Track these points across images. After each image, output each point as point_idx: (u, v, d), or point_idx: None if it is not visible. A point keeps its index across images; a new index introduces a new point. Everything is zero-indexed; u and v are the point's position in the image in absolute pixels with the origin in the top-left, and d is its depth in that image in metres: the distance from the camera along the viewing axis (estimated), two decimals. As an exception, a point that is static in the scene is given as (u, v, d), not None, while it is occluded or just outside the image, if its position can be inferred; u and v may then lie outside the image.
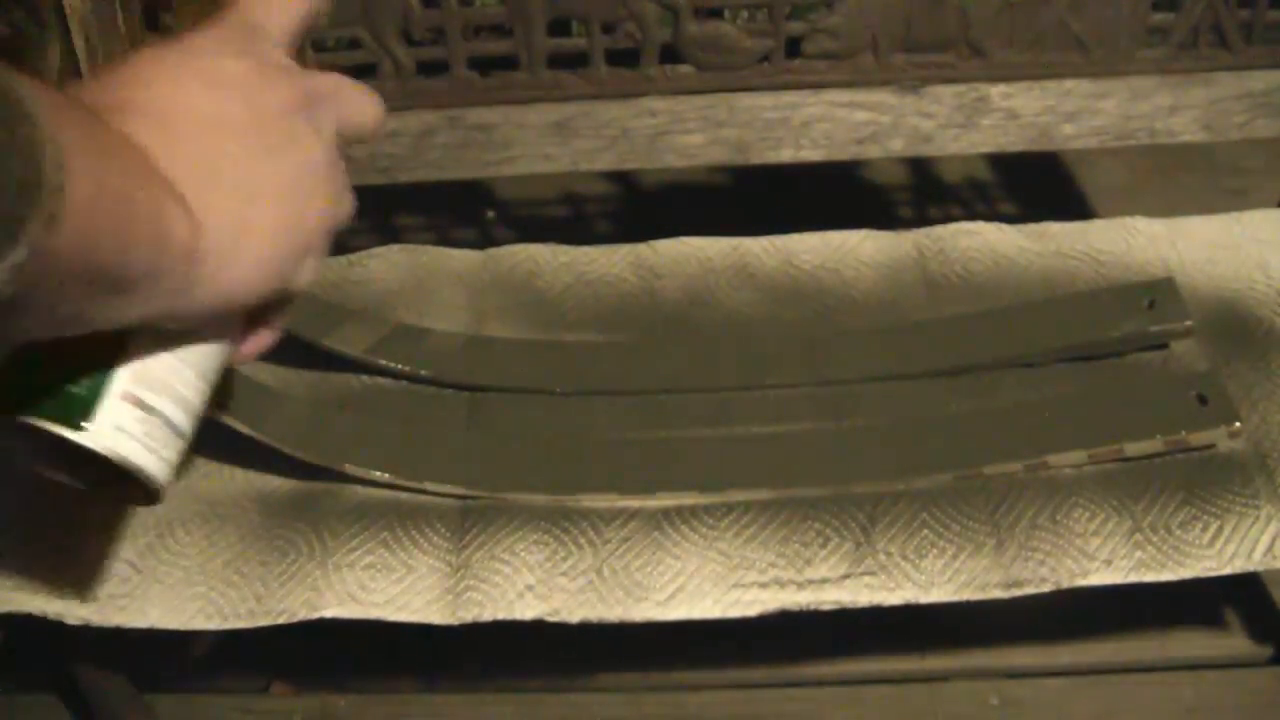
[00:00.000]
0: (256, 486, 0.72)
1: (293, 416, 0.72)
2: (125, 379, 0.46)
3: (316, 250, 0.45)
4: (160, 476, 0.48)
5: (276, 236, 0.41)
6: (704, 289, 0.82)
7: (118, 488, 0.49)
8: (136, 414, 0.46)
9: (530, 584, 0.66)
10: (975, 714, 0.87)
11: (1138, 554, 0.64)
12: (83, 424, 0.45)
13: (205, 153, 0.39)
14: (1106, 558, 0.64)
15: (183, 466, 0.74)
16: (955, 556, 0.65)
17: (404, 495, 0.71)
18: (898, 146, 0.84)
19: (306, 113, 0.43)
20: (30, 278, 0.31)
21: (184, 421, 0.49)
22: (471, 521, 0.69)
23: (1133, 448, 0.69)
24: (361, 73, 0.81)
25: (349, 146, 0.48)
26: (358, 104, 0.47)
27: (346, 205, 0.47)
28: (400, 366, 0.77)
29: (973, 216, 0.92)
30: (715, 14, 0.79)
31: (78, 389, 0.46)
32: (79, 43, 0.81)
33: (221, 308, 0.42)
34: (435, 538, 0.68)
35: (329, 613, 0.66)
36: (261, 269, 0.41)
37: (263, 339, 0.50)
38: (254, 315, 0.48)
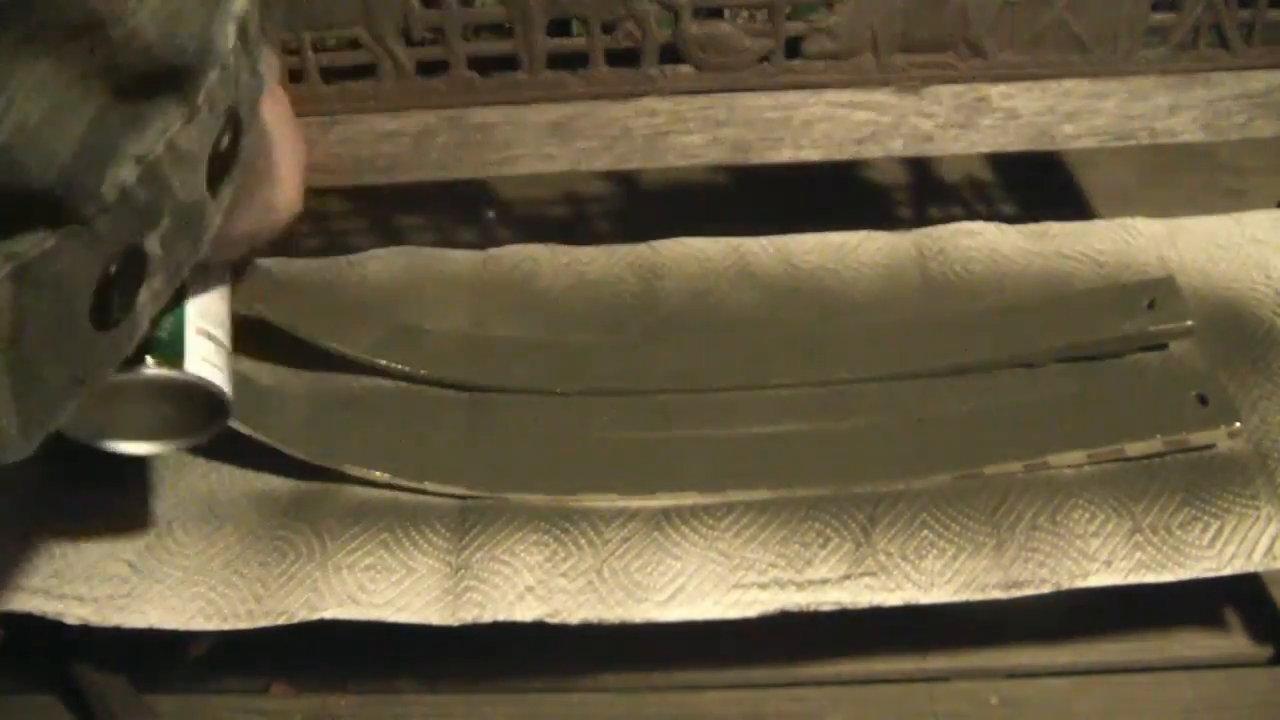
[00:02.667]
0: (256, 486, 0.72)
1: (293, 416, 0.72)
2: (194, 316, 0.51)
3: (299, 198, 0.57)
4: (232, 397, 0.54)
5: (296, 174, 0.55)
6: (704, 289, 0.82)
7: (175, 421, 0.54)
8: (210, 346, 0.51)
9: (530, 585, 0.66)
10: (975, 714, 0.87)
11: (1138, 555, 0.64)
12: (181, 363, 0.50)
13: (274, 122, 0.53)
14: (1106, 558, 0.64)
15: (182, 466, 0.74)
16: (955, 557, 0.65)
17: (404, 495, 0.71)
18: (898, 146, 0.83)
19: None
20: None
21: (228, 343, 0.54)
22: (471, 522, 0.69)
23: (1133, 448, 0.68)
24: (361, 73, 0.81)
25: None
26: None
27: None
28: (400, 366, 0.77)
29: (973, 216, 0.92)
30: (715, 14, 0.79)
31: (160, 332, 0.50)
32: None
33: (275, 229, 0.53)
34: (435, 538, 0.68)
35: (329, 614, 0.66)
36: (293, 193, 0.54)
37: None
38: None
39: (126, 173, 0.30)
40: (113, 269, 0.32)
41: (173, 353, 0.50)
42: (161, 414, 0.53)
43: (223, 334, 0.54)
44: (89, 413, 0.51)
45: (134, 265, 0.33)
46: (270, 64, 0.52)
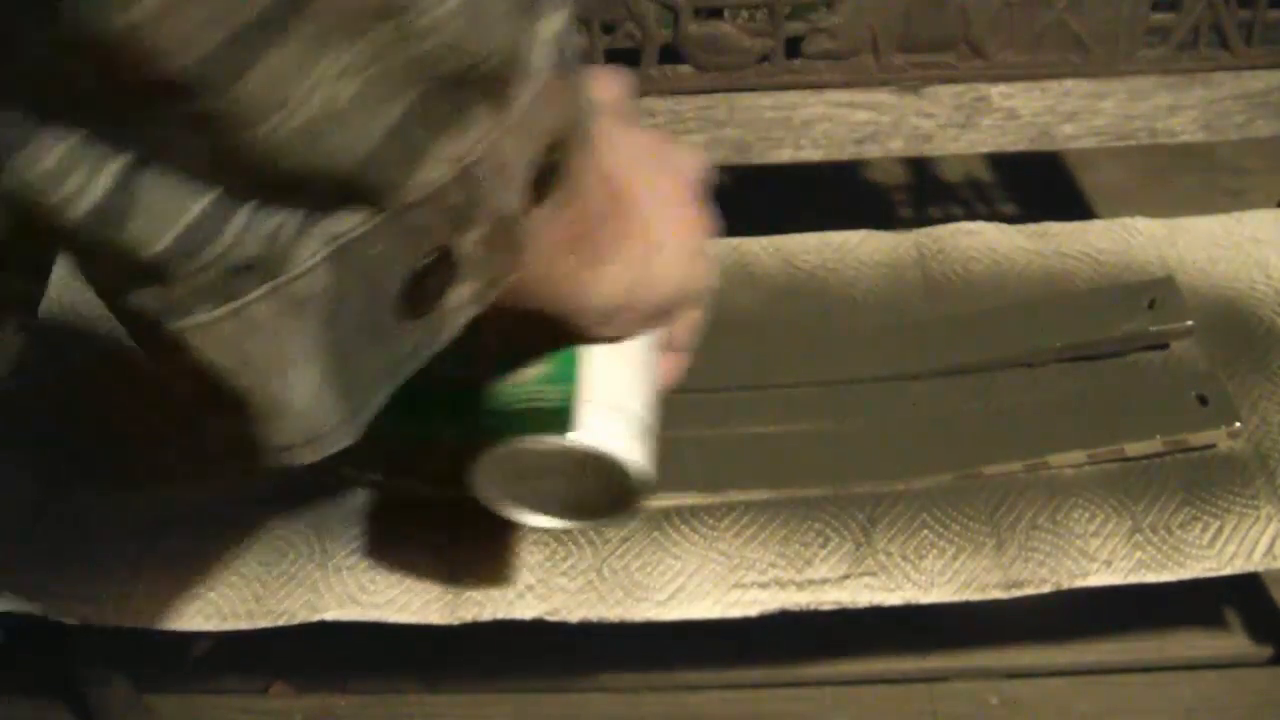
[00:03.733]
0: (256, 487, 0.72)
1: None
2: (591, 386, 0.48)
3: (707, 258, 0.51)
4: (647, 468, 0.49)
5: (691, 233, 0.48)
6: (704, 289, 0.82)
7: (595, 500, 0.50)
8: (614, 416, 0.48)
9: (530, 584, 0.66)
10: (975, 714, 0.87)
11: (1138, 554, 0.64)
12: (569, 431, 0.47)
13: (635, 161, 0.46)
14: (1106, 558, 0.64)
15: (185, 468, 0.74)
16: (955, 557, 0.65)
17: (404, 495, 0.71)
18: (898, 146, 0.83)
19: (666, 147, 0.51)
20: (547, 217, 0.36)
21: (650, 422, 0.50)
22: (471, 522, 0.69)
23: (1133, 448, 0.68)
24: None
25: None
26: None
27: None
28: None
29: (973, 216, 0.92)
30: (715, 14, 0.79)
31: (548, 403, 0.48)
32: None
33: (663, 298, 0.47)
34: (435, 538, 0.68)
35: (329, 615, 0.66)
36: (688, 260, 0.48)
37: (677, 362, 0.56)
38: (667, 341, 0.53)
39: (439, 173, 0.30)
40: (423, 263, 0.32)
41: (559, 422, 0.47)
42: (578, 489, 0.50)
43: (641, 410, 0.50)
44: (507, 483, 0.50)
45: (444, 264, 0.33)
46: (614, 109, 0.48)
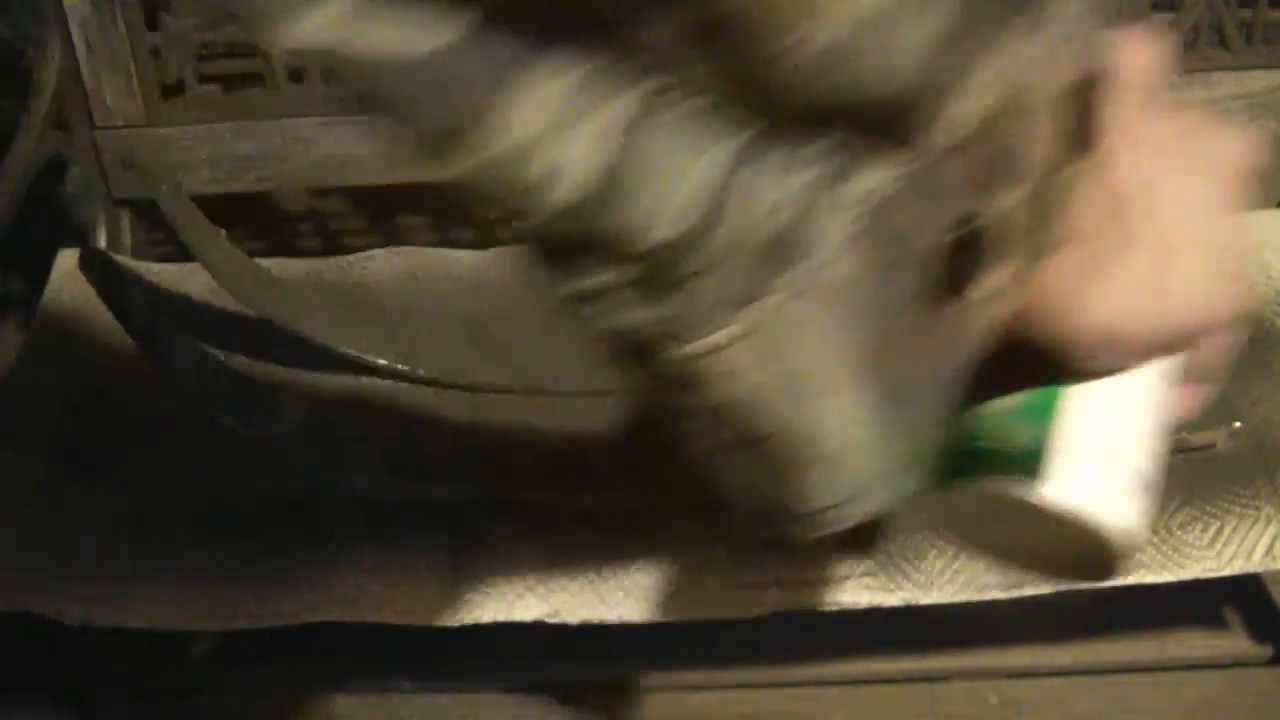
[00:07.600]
0: (256, 486, 0.72)
1: (293, 416, 0.72)
2: (1074, 430, 0.39)
3: (1240, 272, 0.41)
4: (1133, 532, 0.39)
5: (1222, 242, 0.38)
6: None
7: (1068, 558, 0.42)
8: (1097, 467, 0.40)
9: (530, 585, 0.66)
10: (975, 714, 0.87)
11: (1137, 554, 0.64)
12: (1035, 482, 0.38)
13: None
14: (1106, 558, 0.64)
15: (183, 467, 0.74)
16: (955, 557, 0.65)
17: (404, 496, 0.71)
18: (898, 146, 0.83)
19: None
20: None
21: (1150, 473, 0.41)
22: (471, 522, 0.69)
23: (1133, 448, 0.68)
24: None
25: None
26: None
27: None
28: (400, 366, 0.77)
29: (973, 216, 0.92)
30: (715, 14, 0.79)
31: (1014, 447, 0.39)
32: (79, 43, 0.81)
33: (1176, 323, 0.38)
34: (435, 538, 0.68)
35: (329, 615, 0.66)
36: (1214, 275, 0.38)
37: (1195, 395, 0.45)
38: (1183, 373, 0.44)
39: (972, 107, 0.23)
40: (952, 236, 0.25)
41: (1025, 470, 0.38)
42: (1051, 545, 0.41)
43: (1135, 457, 0.41)
44: (962, 526, 0.42)
45: (974, 238, 0.25)
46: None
